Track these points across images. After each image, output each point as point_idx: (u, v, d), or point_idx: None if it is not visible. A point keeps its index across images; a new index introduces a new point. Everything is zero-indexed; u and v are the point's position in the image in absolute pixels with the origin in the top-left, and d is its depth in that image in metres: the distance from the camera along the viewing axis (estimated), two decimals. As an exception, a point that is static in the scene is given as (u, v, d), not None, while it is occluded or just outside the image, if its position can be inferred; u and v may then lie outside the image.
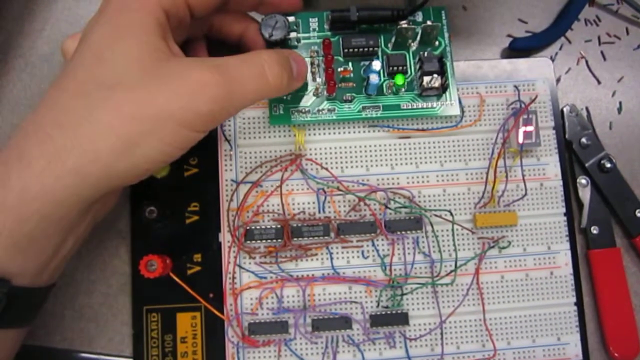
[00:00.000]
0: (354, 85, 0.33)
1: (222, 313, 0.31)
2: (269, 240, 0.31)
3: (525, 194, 0.33)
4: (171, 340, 0.31)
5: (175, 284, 0.31)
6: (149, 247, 0.31)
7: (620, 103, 0.37)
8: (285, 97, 0.33)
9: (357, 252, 0.32)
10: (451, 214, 0.32)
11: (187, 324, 0.31)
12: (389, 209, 0.32)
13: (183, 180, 0.32)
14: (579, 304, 0.33)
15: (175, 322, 0.31)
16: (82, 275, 0.33)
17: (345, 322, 0.31)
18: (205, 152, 0.32)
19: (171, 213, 0.32)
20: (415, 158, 0.33)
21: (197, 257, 0.32)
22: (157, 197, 0.32)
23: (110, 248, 0.33)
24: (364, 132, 0.33)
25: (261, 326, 0.31)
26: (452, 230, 0.32)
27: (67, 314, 0.32)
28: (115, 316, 0.32)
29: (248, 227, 0.31)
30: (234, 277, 0.31)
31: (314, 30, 0.33)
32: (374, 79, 0.32)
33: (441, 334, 0.32)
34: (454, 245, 0.32)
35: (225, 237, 0.32)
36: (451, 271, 0.32)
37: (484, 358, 0.32)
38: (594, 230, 0.35)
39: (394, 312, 0.31)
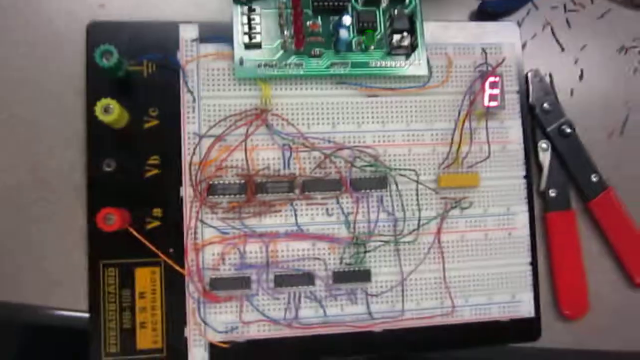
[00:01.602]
0: (323, 40, 0.32)
1: (183, 268, 0.30)
2: (232, 196, 0.31)
3: (489, 156, 0.33)
4: (129, 295, 0.31)
5: (134, 239, 0.30)
6: (107, 200, 0.30)
7: (581, 70, 0.38)
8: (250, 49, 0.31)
9: (322, 209, 0.32)
10: (416, 174, 0.32)
11: (147, 279, 0.31)
12: (355, 167, 0.32)
13: (142, 132, 0.31)
14: (534, 264, 0.34)
15: (133, 277, 0.30)
16: (36, 229, 0.31)
17: (308, 278, 0.31)
18: (166, 103, 0.31)
19: (130, 166, 0.31)
20: (382, 117, 0.33)
21: (157, 211, 0.31)
22: (114, 149, 0.30)
23: (65, 201, 0.31)
24: (332, 89, 0.33)
25: (223, 282, 0.30)
26: (417, 190, 0.32)
27: (20, 268, 0.31)
28: (71, 271, 0.31)
29: (211, 182, 0.30)
30: (195, 233, 0.30)
31: (283, -19, 0.32)
32: (343, 34, 0.31)
33: (402, 291, 0.32)
34: (418, 204, 0.32)
35: (187, 192, 0.31)
36: (414, 230, 0.32)
37: (443, 314, 0.32)
38: (552, 193, 0.35)
39: (356, 269, 0.32)
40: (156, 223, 0.31)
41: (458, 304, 0.33)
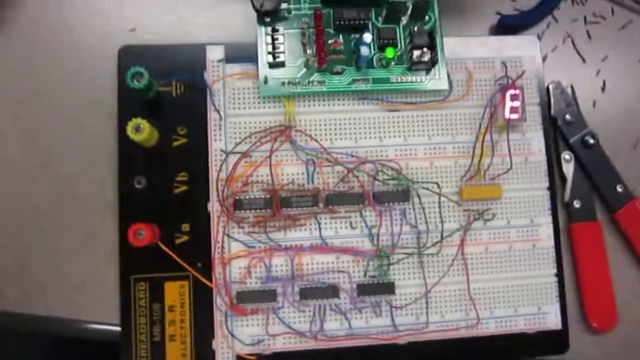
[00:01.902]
0: (345, 57, 0.33)
1: (211, 282, 0.31)
2: (257, 210, 0.31)
3: (511, 167, 0.33)
4: (159, 309, 0.31)
5: (163, 253, 0.30)
6: (137, 216, 0.31)
7: (604, 82, 0.38)
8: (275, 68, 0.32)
9: (345, 222, 0.32)
10: (438, 186, 0.32)
11: (175, 292, 0.31)
12: (378, 180, 0.32)
13: (171, 150, 0.32)
14: (560, 275, 0.33)
15: (163, 291, 0.31)
16: (67, 244, 0.32)
17: (332, 291, 0.31)
18: (194, 122, 0.32)
19: (159, 183, 0.31)
20: (404, 131, 0.33)
21: (186, 226, 0.31)
22: (145, 167, 0.31)
23: (97, 217, 0.32)
24: (353, 104, 0.33)
25: (249, 295, 0.31)
26: (439, 202, 0.32)
27: (51, 282, 0.32)
28: (102, 285, 0.31)
29: (237, 197, 0.31)
30: (222, 247, 0.31)
31: (305, 1, 0.33)
32: (364, 51, 0.32)
33: (426, 303, 0.32)
34: (440, 217, 0.32)
35: (214, 207, 0.31)
36: (437, 242, 0.32)
37: (468, 326, 0.32)
38: (576, 204, 0.35)
39: (380, 281, 0.32)
40: (185, 238, 0.31)
41: (483, 316, 0.32)
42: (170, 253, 0.30)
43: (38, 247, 0.32)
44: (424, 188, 0.32)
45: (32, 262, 0.31)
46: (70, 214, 0.32)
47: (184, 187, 0.32)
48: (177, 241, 0.31)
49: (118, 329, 0.30)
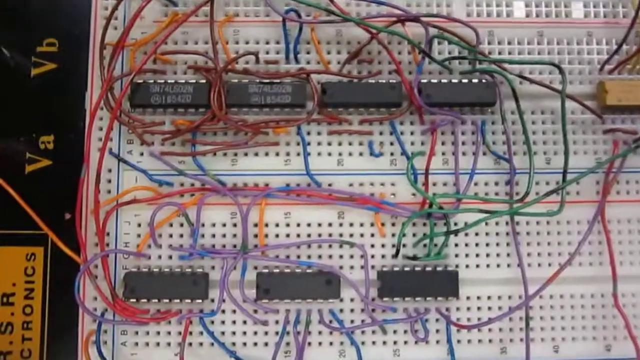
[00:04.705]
0: None
1: (79, 253, 0.19)
2: (179, 109, 0.19)
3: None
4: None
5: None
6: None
7: None
8: None
9: (359, 142, 0.20)
10: (560, 71, 0.18)
11: (17, 268, 0.20)
12: (432, 59, 0.19)
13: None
14: None
15: None
16: None
17: (326, 283, 0.18)
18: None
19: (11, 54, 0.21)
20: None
21: (47, 139, 0.20)
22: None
23: None
24: None
25: (152, 281, 0.19)
26: (562, 105, 0.18)
27: None
28: None
29: (140, 80, 0.19)
30: (109, 182, 0.20)
31: None
32: None
33: (525, 319, 0.18)
34: (564, 135, 0.18)
35: (92, 100, 0.20)
36: (551, 191, 0.18)
37: None
38: None
39: (428, 269, 0.19)
40: (42, 162, 0.21)
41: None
42: (13, 193, 0.20)
43: None
44: (521, 77, 0.19)
45: None
46: None
47: (48, 65, 0.21)
48: (29, 168, 0.21)
49: None
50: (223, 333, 0.19)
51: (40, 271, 0.20)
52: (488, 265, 0.19)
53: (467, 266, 0.19)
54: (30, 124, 0.21)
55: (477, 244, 0.19)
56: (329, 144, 0.19)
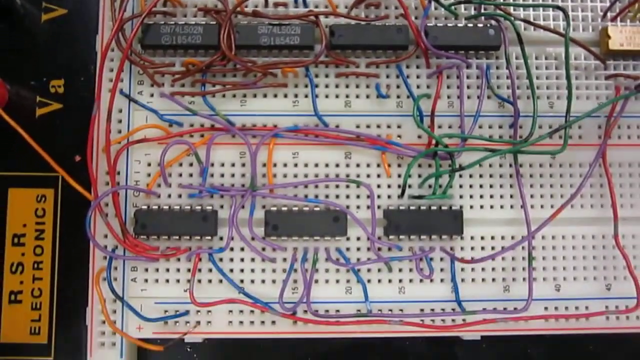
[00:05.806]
0: None
1: (90, 190, 0.18)
2: (190, 51, 0.19)
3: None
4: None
5: (11, 135, 0.19)
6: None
7: None
8: None
9: (366, 84, 0.19)
10: (565, 14, 0.18)
11: (28, 211, 0.20)
12: (437, 2, 0.18)
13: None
14: None
15: (5, 203, 0.20)
16: None
17: (334, 220, 0.18)
18: None
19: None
20: None
21: (57, 83, 0.20)
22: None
23: None
24: None
25: (162, 218, 0.18)
26: (566, 49, 0.17)
27: None
28: None
29: (150, 21, 0.19)
30: (120, 122, 0.19)
31: None
32: None
33: (528, 258, 0.18)
34: (568, 79, 0.17)
35: (102, 42, 0.19)
36: (554, 130, 0.18)
37: (610, 310, 0.18)
38: None
39: (433, 207, 0.19)
40: (55, 106, 0.20)
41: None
42: (25, 135, 0.19)
43: None
44: (526, 21, 0.19)
45: None
46: None
47: (58, 11, 0.20)
48: (40, 111, 0.20)
49: None
50: (232, 270, 0.18)
51: (50, 213, 0.20)
52: (492, 206, 0.19)
53: (471, 207, 0.19)
54: (40, 68, 0.20)
55: (481, 185, 0.19)
56: (337, 86, 0.20)
